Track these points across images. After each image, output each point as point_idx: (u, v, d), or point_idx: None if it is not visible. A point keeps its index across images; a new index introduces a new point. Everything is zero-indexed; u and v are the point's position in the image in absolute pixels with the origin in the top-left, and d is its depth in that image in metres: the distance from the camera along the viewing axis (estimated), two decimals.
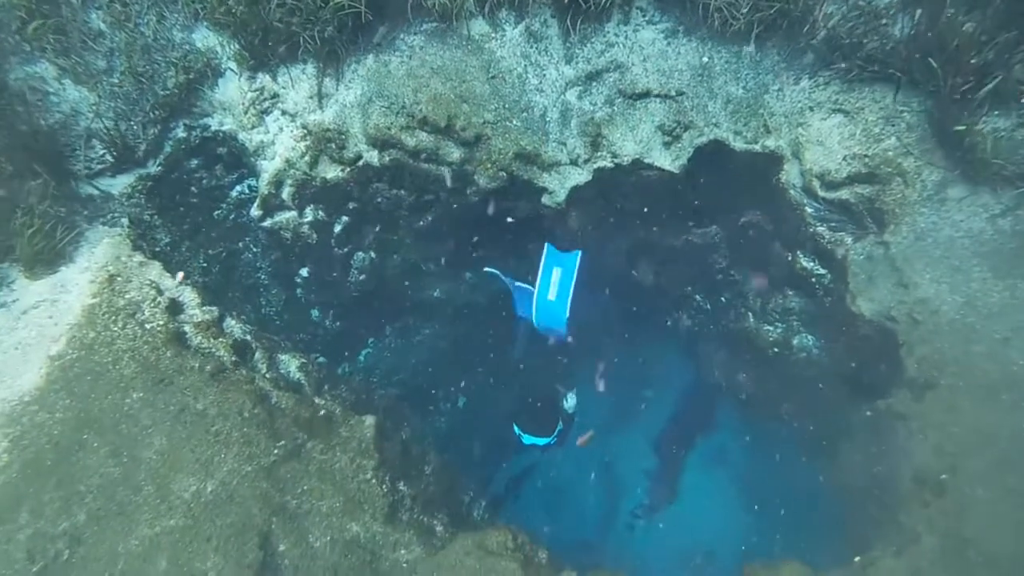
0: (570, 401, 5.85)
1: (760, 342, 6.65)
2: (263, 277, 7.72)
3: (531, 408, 5.65)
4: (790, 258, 6.10)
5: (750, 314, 6.76)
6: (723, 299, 7.30)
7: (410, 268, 7.77)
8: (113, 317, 5.13)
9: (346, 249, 7.25)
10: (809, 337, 6.25)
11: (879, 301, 5.01)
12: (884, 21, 5.23)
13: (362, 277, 7.47)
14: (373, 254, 7.44)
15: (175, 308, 5.45)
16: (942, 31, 4.86)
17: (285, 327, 7.97)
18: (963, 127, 4.77)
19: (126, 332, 5.07)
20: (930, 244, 4.90)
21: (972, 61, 4.70)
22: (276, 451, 4.74)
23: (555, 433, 5.59)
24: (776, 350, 6.50)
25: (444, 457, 6.70)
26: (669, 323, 8.56)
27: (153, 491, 4.43)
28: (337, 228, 7.04)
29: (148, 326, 5.14)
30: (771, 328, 6.54)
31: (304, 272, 7.28)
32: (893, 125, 5.30)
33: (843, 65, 5.45)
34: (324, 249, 7.12)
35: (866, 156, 5.34)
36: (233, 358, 5.27)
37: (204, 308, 5.58)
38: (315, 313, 8.14)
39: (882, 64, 5.28)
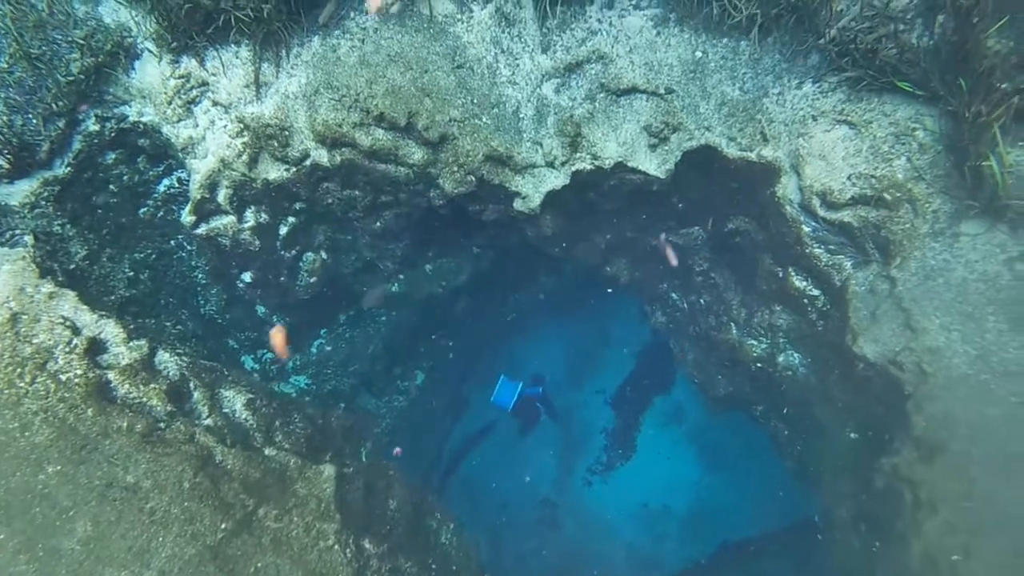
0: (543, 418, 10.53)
1: (742, 355, 6.31)
2: (200, 276, 6.93)
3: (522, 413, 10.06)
4: (780, 274, 5.69)
5: (732, 325, 6.39)
6: (701, 301, 6.90)
7: (365, 266, 7.10)
8: (18, 369, 4.35)
9: (294, 251, 6.50)
10: (795, 355, 5.93)
11: (883, 343, 4.66)
12: (902, 27, 4.66)
13: (312, 280, 6.75)
14: (324, 255, 6.72)
15: (96, 348, 4.71)
16: (969, 48, 4.34)
17: (228, 327, 7.29)
18: (978, 160, 4.33)
19: (36, 388, 4.32)
20: (941, 285, 4.52)
21: (1001, 86, 4.22)
22: (224, 525, 4.18)
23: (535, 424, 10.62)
24: (759, 365, 6.18)
25: (407, 474, 6.37)
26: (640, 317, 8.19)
27: None
28: (283, 230, 6.27)
29: (63, 378, 4.40)
30: (755, 343, 6.20)
31: (247, 277, 6.51)
32: (904, 144, 4.82)
33: (852, 73, 4.90)
34: (269, 252, 6.36)
35: (873, 177, 4.87)
36: (168, 408, 4.61)
37: (130, 344, 4.85)
38: (261, 310, 7.45)
39: (896, 75, 4.75)
